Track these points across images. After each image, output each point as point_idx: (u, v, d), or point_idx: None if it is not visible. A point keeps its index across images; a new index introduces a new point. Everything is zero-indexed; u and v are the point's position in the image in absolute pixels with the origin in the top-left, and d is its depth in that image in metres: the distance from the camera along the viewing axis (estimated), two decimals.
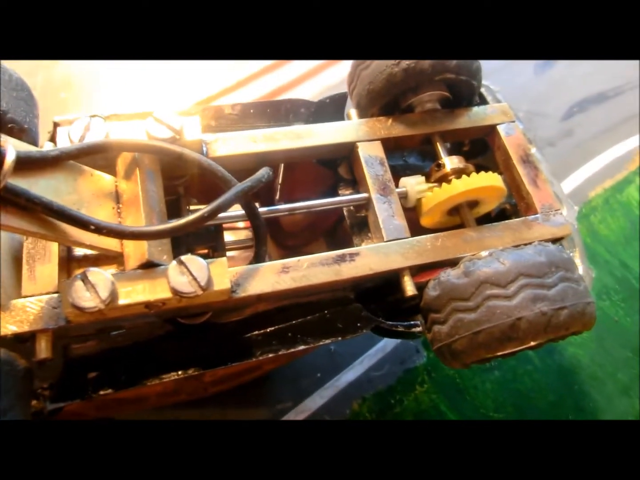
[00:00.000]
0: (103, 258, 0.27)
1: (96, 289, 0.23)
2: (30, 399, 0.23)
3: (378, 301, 0.30)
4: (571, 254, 0.31)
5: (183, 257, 0.24)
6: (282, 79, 0.52)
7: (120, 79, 0.53)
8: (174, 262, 0.24)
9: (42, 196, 0.21)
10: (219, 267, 0.25)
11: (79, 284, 0.23)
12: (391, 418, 0.40)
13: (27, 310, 0.24)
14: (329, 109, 0.35)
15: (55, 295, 0.25)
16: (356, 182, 0.33)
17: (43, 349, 0.24)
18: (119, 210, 0.26)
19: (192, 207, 0.32)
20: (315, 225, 0.38)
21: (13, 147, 0.20)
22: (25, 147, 0.23)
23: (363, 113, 0.34)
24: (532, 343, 0.26)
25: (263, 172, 0.27)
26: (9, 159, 0.20)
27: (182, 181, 0.30)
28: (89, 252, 0.27)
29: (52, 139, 0.30)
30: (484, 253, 0.29)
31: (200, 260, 0.24)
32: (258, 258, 0.28)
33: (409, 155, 0.37)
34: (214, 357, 0.27)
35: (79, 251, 0.27)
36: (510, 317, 0.25)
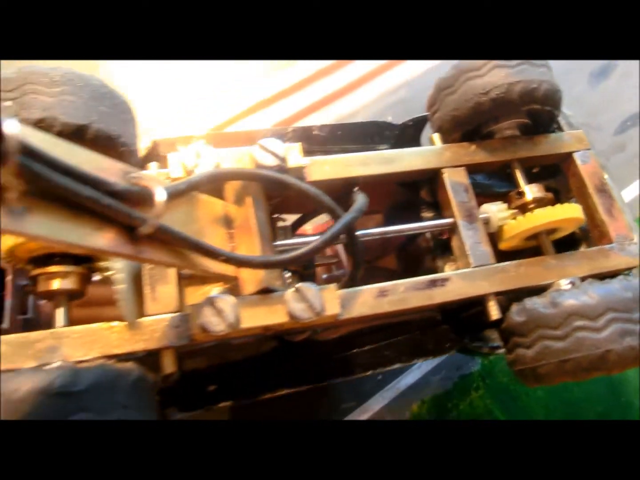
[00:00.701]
0: (211, 278, 0.28)
1: (223, 314, 0.25)
2: (161, 410, 0.25)
3: (454, 319, 0.32)
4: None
5: (299, 285, 0.26)
6: (302, 102, 0.53)
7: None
8: (292, 290, 0.26)
9: (183, 233, 0.23)
10: (330, 293, 0.26)
11: (207, 308, 0.25)
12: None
13: (153, 329, 0.26)
14: (410, 131, 0.36)
15: (176, 314, 0.26)
16: (437, 205, 0.34)
17: (168, 364, 0.26)
18: (230, 235, 0.27)
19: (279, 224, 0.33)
20: (389, 241, 0.39)
21: (162, 188, 0.22)
22: (164, 182, 0.24)
23: (444, 137, 0.35)
24: (615, 372, 0.28)
25: (363, 201, 0.29)
26: (160, 199, 0.22)
27: (275, 202, 0.32)
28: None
29: (148, 157, 0.32)
30: (564, 282, 0.30)
31: (314, 287, 0.26)
32: (353, 280, 0.30)
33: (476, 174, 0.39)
34: (313, 374, 0.29)
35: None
36: (600, 348, 0.27)
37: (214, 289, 0.28)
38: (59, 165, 0.18)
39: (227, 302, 0.25)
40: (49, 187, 0.18)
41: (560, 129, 0.37)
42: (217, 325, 0.25)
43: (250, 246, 0.27)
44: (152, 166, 0.30)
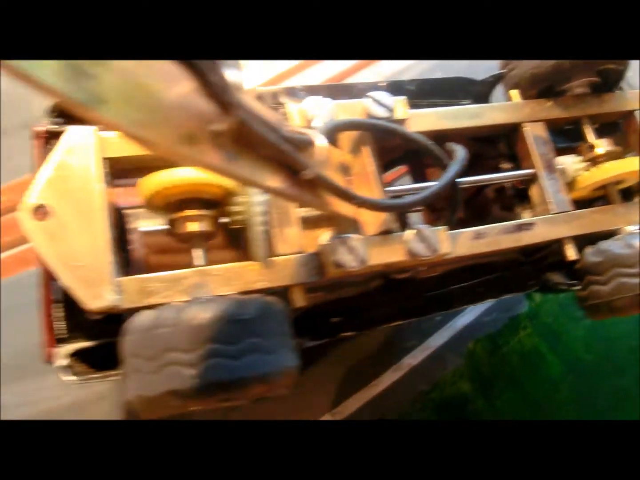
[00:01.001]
0: (330, 220, 0.31)
1: (355, 251, 0.28)
2: (294, 338, 0.28)
3: (535, 260, 0.36)
4: None
5: (419, 226, 0.29)
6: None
7: None
8: (412, 231, 0.29)
9: (333, 180, 0.25)
10: (443, 234, 0.29)
11: (341, 247, 0.27)
12: (499, 357, 0.47)
13: (285, 267, 0.29)
14: (489, 87, 0.39)
15: (305, 253, 0.29)
16: (515, 157, 0.37)
17: (299, 299, 0.29)
18: (349, 182, 0.30)
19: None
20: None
21: (321, 135, 0.24)
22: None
23: (522, 93, 0.37)
24: None
25: (463, 152, 0.32)
26: (320, 144, 0.24)
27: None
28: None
29: None
30: (631, 227, 0.34)
31: (431, 229, 0.29)
32: (451, 223, 0.33)
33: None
34: (418, 308, 0.32)
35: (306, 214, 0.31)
36: None
37: (325, 234, 0.31)
38: (259, 117, 0.20)
39: (359, 241, 0.28)
40: (252, 135, 0.20)
41: (620, 88, 0.40)
42: (350, 261, 0.27)
43: (369, 192, 0.30)
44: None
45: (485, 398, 0.45)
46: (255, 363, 0.24)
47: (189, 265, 0.28)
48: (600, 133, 0.40)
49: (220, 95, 0.17)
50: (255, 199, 0.29)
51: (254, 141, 0.20)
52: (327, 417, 0.43)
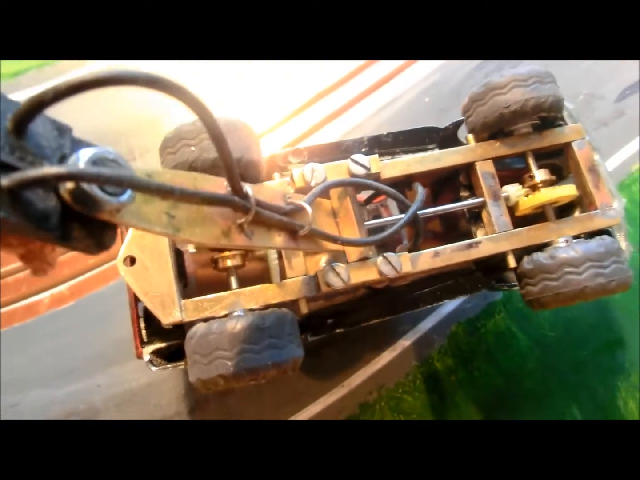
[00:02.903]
0: (325, 252, 0.43)
1: (340, 275, 0.40)
2: (300, 335, 0.40)
3: (483, 269, 0.47)
4: (618, 237, 0.46)
5: (385, 254, 0.40)
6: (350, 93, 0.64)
7: None
8: (381, 258, 0.40)
9: (324, 231, 0.37)
10: (405, 258, 0.41)
11: (330, 271, 0.39)
12: (478, 337, 0.58)
13: (293, 286, 0.41)
14: (451, 132, 0.49)
15: (306, 276, 0.41)
16: (472, 187, 0.47)
17: (303, 307, 0.41)
18: (337, 224, 0.42)
19: None
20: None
21: (307, 203, 0.36)
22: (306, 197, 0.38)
23: (476, 136, 0.47)
24: (591, 299, 0.43)
25: (423, 192, 0.42)
26: (309, 210, 0.35)
27: None
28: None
29: (270, 168, 0.45)
30: (561, 240, 0.44)
31: (395, 255, 0.40)
32: (416, 246, 0.44)
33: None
34: (393, 309, 0.44)
35: None
36: (580, 286, 0.41)
37: (323, 259, 0.43)
38: (265, 205, 0.32)
39: (342, 267, 0.40)
40: (263, 218, 0.32)
41: (564, 120, 0.49)
42: (337, 282, 0.39)
43: (352, 231, 0.41)
44: (276, 176, 0.44)
45: (465, 370, 0.57)
46: (272, 356, 0.36)
47: (224, 276, 0.41)
48: (549, 157, 0.50)
49: (240, 207, 0.29)
50: None
51: (264, 221, 0.32)
52: (338, 388, 0.56)
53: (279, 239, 0.34)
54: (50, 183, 0.18)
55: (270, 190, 0.35)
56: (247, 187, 0.30)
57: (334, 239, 0.38)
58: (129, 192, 0.21)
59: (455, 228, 0.52)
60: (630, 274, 0.43)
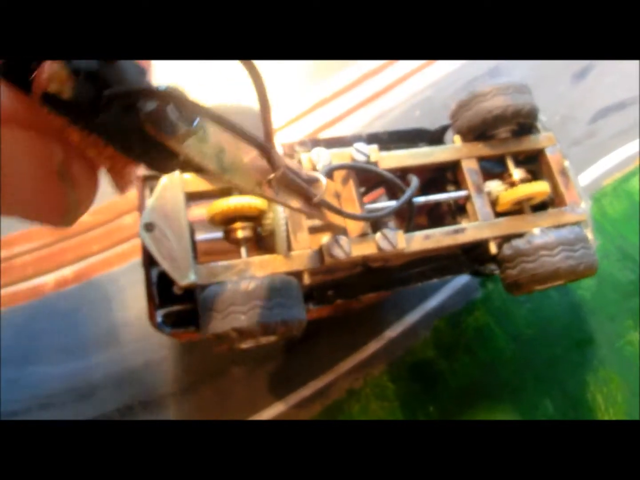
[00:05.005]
0: (329, 227, 0.47)
1: (343, 247, 0.44)
2: (304, 302, 0.44)
3: (469, 256, 0.52)
4: (586, 231, 0.52)
5: (383, 230, 0.45)
6: (352, 101, 0.71)
7: None
8: (379, 234, 0.45)
9: (328, 201, 0.41)
10: (400, 235, 0.45)
11: (334, 244, 0.44)
12: (459, 331, 0.62)
13: (298, 258, 0.45)
14: (440, 134, 0.55)
15: (310, 249, 0.45)
16: (457, 182, 0.53)
17: (307, 279, 0.45)
18: (340, 204, 0.46)
19: None
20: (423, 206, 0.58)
21: (323, 176, 0.40)
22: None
23: (462, 138, 0.53)
24: (562, 282, 0.48)
25: (416, 182, 0.48)
26: (324, 182, 0.40)
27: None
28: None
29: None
30: (536, 230, 0.50)
31: (392, 231, 0.45)
32: (409, 229, 0.49)
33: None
34: (386, 284, 0.48)
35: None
36: (553, 267, 0.46)
37: (325, 236, 0.47)
38: (291, 169, 0.36)
39: (345, 240, 0.44)
40: (288, 180, 0.36)
41: (538, 130, 0.56)
42: (340, 254, 0.44)
43: (353, 209, 0.46)
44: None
45: (447, 361, 0.61)
46: (281, 313, 0.40)
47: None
48: (525, 164, 0.56)
49: (272, 162, 0.33)
50: (279, 215, 0.45)
51: (287, 182, 0.37)
52: (326, 374, 0.59)
53: (296, 202, 0.38)
54: (144, 97, 0.22)
55: (293, 164, 0.39)
56: (278, 149, 0.34)
57: (339, 212, 0.42)
58: (196, 121, 0.25)
59: (440, 224, 0.57)
60: (595, 258, 0.48)
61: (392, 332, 0.62)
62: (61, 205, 0.22)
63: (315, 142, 0.50)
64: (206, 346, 0.53)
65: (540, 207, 0.54)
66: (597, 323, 0.64)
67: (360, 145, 0.47)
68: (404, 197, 0.45)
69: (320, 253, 0.45)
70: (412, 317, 0.62)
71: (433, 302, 0.63)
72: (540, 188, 0.51)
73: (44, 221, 0.22)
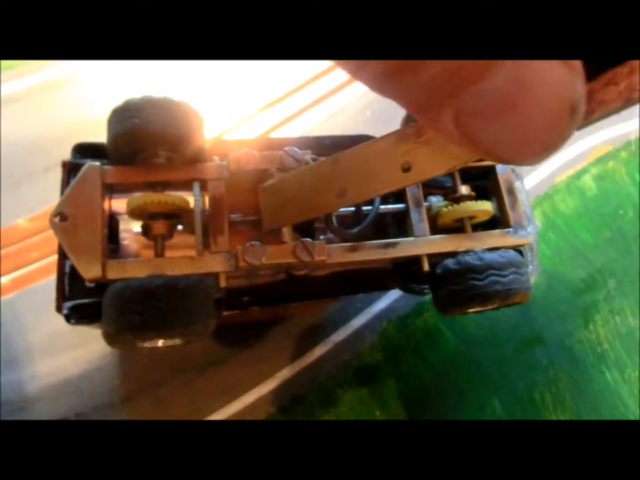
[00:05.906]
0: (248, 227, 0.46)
1: (258, 254, 0.42)
2: (216, 309, 0.43)
3: (401, 272, 0.50)
4: (528, 255, 0.50)
5: (302, 240, 0.43)
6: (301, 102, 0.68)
7: None
8: (298, 242, 0.43)
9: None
10: (321, 246, 0.44)
11: (249, 249, 0.42)
12: (408, 334, 0.61)
13: (215, 260, 0.44)
14: None
15: (228, 252, 0.44)
16: (399, 194, 0.51)
17: (222, 281, 0.44)
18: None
19: None
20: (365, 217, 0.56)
21: None
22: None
23: None
24: (492, 307, 0.46)
25: None
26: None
27: None
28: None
29: (211, 153, 0.48)
30: (471, 251, 0.48)
31: (312, 241, 0.43)
32: (347, 239, 0.47)
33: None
34: (309, 295, 0.47)
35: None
36: (481, 290, 0.44)
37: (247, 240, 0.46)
38: None
39: (261, 246, 0.43)
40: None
41: None
42: (254, 260, 0.42)
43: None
44: (216, 159, 0.47)
45: (394, 364, 0.60)
46: (181, 317, 0.39)
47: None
48: (479, 179, 0.54)
49: None
50: (197, 215, 0.44)
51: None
52: (270, 380, 0.58)
53: None
54: None
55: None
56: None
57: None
58: None
59: (383, 235, 0.55)
60: (528, 286, 0.46)
61: (338, 336, 0.61)
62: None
63: (252, 143, 0.48)
64: (146, 354, 0.53)
65: (490, 225, 0.52)
66: (547, 321, 0.63)
67: (291, 150, 0.46)
68: (371, 214, 0.44)
69: (236, 256, 0.44)
70: (358, 321, 0.61)
71: (381, 305, 0.62)
72: (481, 207, 0.49)
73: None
